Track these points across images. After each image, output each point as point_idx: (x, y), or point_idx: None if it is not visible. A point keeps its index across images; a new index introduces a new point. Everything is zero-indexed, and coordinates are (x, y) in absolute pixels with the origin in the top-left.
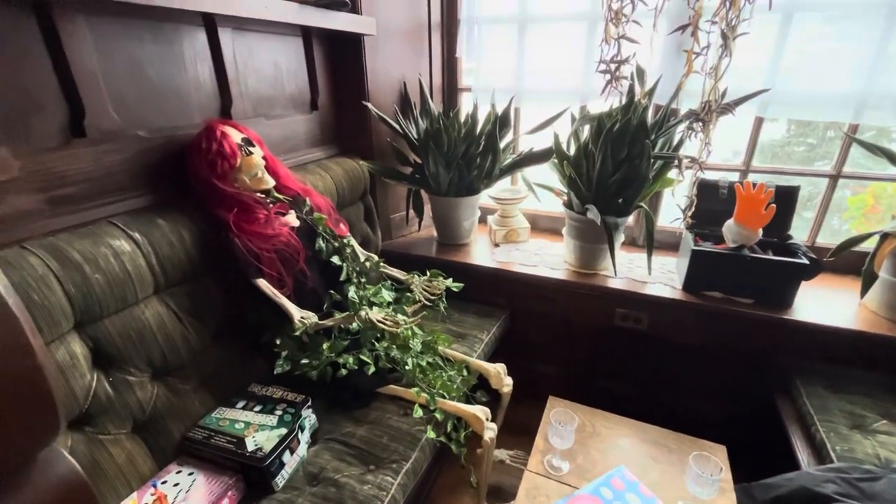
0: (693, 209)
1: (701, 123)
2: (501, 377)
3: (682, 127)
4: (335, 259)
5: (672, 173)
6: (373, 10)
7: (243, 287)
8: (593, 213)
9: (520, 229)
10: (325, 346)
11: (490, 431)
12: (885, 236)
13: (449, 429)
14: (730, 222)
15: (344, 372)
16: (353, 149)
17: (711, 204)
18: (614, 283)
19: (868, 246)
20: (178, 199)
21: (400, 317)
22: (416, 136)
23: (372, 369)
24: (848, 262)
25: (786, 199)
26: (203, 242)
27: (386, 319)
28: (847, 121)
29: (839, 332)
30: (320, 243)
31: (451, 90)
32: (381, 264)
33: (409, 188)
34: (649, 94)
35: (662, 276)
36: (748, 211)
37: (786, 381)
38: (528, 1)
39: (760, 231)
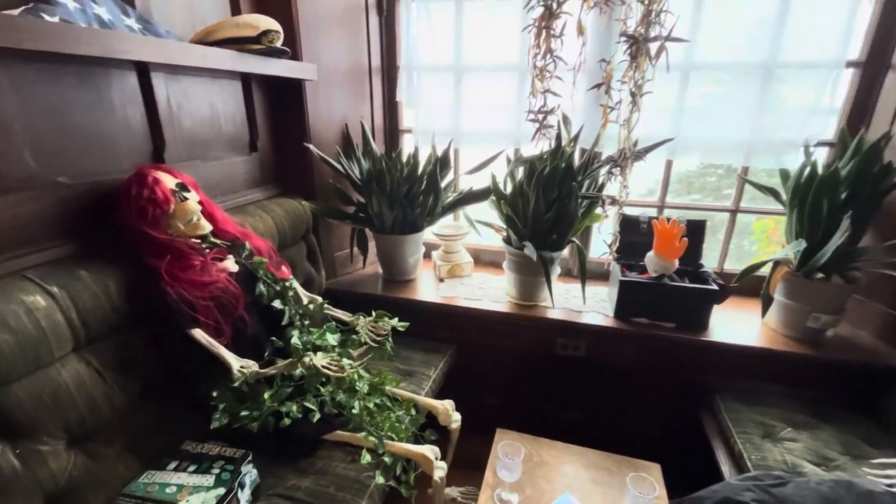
0: (618, 243)
1: (619, 168)
2: (450, 413)
3: (603, 170)
4: (277, 303)
5: (599, 210)
6: (313, 56)
7: (176, 338)
8: (529, 250)
9: (463, 264)
10: (266, 395)
11: (440, 470)
12: (776, 264)
13: (398, 471)
14: (650, 254)
15: (287, 421)
16: (295, 189)
17: (634, 237)
18: (553, 314)
19: (766, 271)
20: (104, 248)
21: (345, 360)
22: (359, 177)
23: (317, 416)
24: (751, 285)
25: (696, 231)
26: (131, 293)
27: (331, 364)
28: (739, 163)
29: (747, 350)
30: (261, 288)
31: (392, 132)
32: (326, 306)
33: (353, 227)
34: (574, 140)
35: (596, 305)
36: (665, 244)
37: (708, 398)
38: (463, 53)
39: (677, 261)
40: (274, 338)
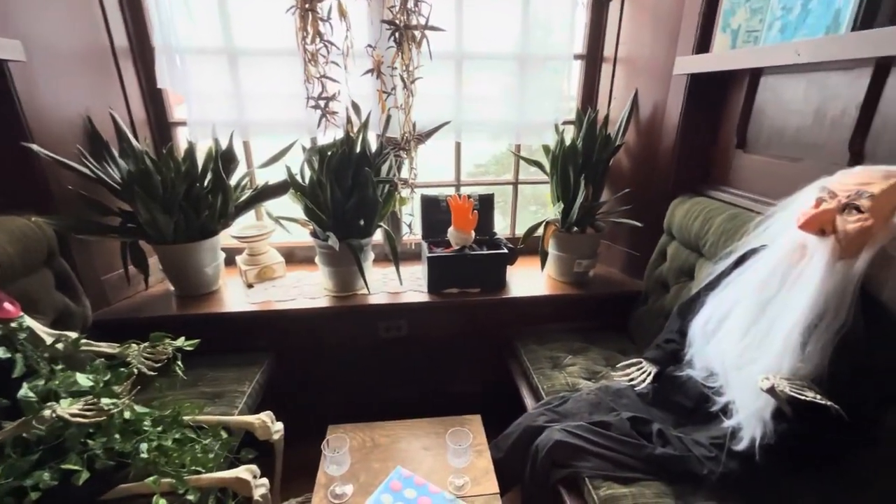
0: (415, 222)
1: (404, 151)
2: (268, 426)
3: (393, 154)
4: (0, 351)
5: (403, 193)
6: (15, 31)
7: None
8: (332, 240)
9: (274, 265)
10: None
11: (261, 489)
12: (547, 224)
13: None
14: (451, 229)
15: (35, 495)
16: (18, 203)
17: (437, 215)
18: (373, 300)
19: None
20: None
21: (105, 401)
22: (117, 180)
23: (83, 476)
24: (534, 244)
25: (487, 204)
26: None
27: (84, 410)
28: (514, 142)
29: (536, 299)
30: None
31: (160, 125)
32: (84, 341)
33: (122, 241)
34: (364, 126)
35: (413, 284)
36: (460, 218)
37: (512, 347)
38: (234, 33)
39: (473, 232)
40: None
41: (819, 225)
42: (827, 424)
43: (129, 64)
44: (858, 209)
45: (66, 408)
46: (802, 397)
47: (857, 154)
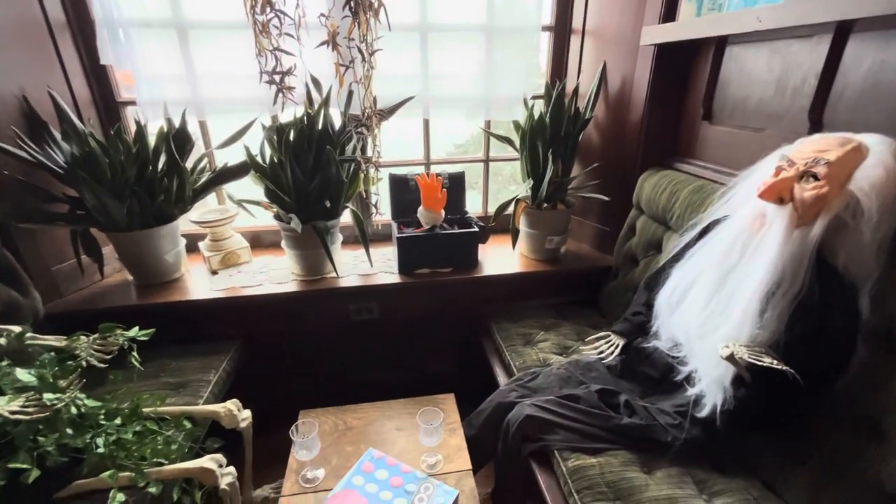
0: (384, 203)
1: (365, 128)
2: (234, 414)
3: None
4: None
5: (371, 172)
6: None
7: None
8: (295, 223)
9: (239, 250)
10: None
11: (227, 478)
12: (518, 201)
13: (177, 497)
14: (420, 208)
15: None
16: None
17: (406, 195)
18: (343, 283)
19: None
20: None
21: (48, 396)
22: (62, 164)
23: (35, 474)
24: (506, 222)
25: (457, 182)
26: None
27: (26, 407)
28: (483, 118)
29: (509, 277)
30: None
31: (107, 105)
32: (28, 335)
33: (72, 229)
34: (325, 102)
35: (384, 266)
36: (429, 197)
37: (485, 325)
38: (183, 5)
39: (443, 211)
40: None
41: (777, 193)
42: (784, 388)
43: (68, 39)
44: (815, 177)
45: (4, 405)
46: (760, 363)
47: (816, 122)
